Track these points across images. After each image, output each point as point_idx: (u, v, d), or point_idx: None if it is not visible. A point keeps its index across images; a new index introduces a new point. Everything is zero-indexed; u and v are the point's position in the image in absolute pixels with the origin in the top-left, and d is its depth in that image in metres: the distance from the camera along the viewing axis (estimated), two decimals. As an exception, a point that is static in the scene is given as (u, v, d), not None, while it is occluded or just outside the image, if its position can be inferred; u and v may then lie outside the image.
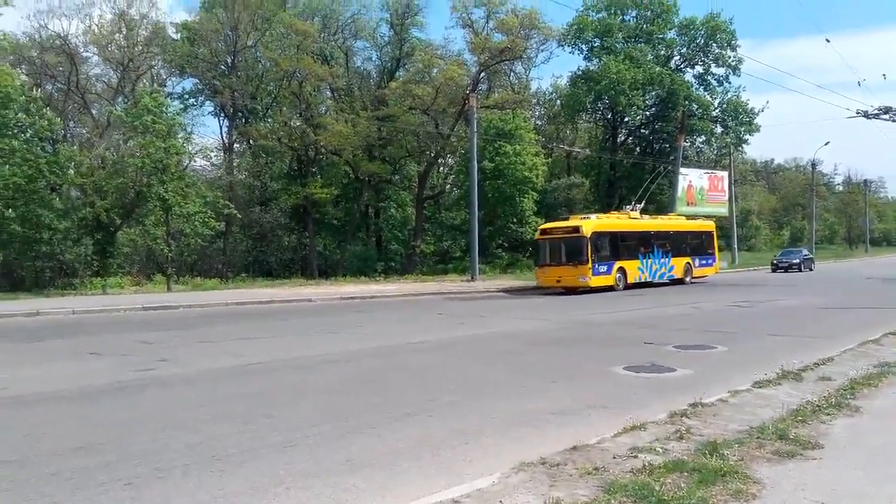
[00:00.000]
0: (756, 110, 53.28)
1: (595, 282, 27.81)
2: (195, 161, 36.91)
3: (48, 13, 43.73)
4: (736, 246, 55.69)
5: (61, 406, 8.45)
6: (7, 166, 25.09)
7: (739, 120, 53.53)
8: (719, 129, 55.32)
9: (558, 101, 55.78)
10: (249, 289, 29.81)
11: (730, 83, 53.56)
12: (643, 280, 30.54)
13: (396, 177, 47.76)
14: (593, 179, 52.58)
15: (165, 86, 44.17)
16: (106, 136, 35.10)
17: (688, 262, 33.43)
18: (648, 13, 51.98)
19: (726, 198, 52.74)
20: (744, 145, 58.43)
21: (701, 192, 49.68)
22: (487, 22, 45.43)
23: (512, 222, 40.56)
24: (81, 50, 40.33)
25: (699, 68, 53.90)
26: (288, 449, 6.39)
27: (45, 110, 27.92)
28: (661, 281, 31.83)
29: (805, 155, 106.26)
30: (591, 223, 28.69)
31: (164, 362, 11.44)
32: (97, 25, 41.30)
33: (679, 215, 39.72)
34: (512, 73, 52.99)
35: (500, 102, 44.55)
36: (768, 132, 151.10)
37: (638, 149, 55.60)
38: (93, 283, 27.72)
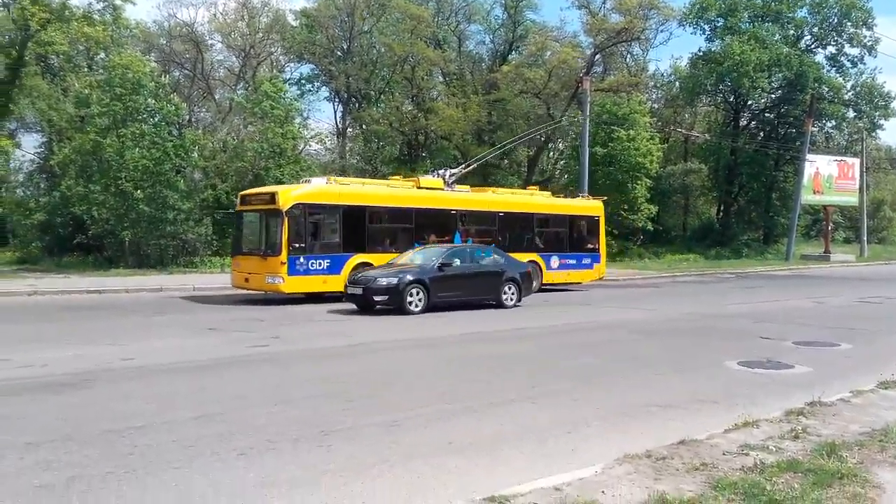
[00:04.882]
0: (893, 94, 49.85)
1: (294, 285, 17.62)
2: (310, 145, 38.01)
3: (176, 2, 46.05)
4: (865, 238, 52.43)
5: (182, 377, 8.93)
6: (137, 149, 26.59)
7: (874, 104, 50.14)
8: (851, 114, 52.00)
9: (677, 84, 53.98)
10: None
11: (864, 64, 50.19)
12: None
13: (505, 161, 47.55)
14: (712, 165, 50.60)
15: (284, 72, 45.70)
16: (227, 120, 36.66)
17: (532, 261, 21.63)
18: (777, -10, 49.37)
19: (857, 186, 49.66)
20: (878, 131, 54.86)
21: (829, 179, 47.01)
22: (605, 2, 44.44)
23: (623, 209, 39.57)
24: (206, 38, 42.27)
25: (831, 49, 50.74)
26: (392, 428, 6.51)
27: (172, 96, 29.43)
28: None
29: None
30: (296, 190, 18.64)
31: (276, 339, 11.91)
32: (221, 14, 43.25)
33: (575, 197, 27.78)
34: (629, 55, 51.64)
35: (615, 85, 43.48)
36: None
37: (762, 133, 53.04)
38: (212, 262, 29.00)
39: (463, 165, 26.12)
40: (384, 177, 42.42)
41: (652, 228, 41.44)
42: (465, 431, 6.44)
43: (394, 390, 8.24)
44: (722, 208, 52.71)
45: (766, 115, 52.76)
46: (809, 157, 45.21)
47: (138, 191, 26.23)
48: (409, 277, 15.81)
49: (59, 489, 4.89)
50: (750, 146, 48.72)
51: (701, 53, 49.03)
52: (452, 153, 44.47)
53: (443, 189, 22.18)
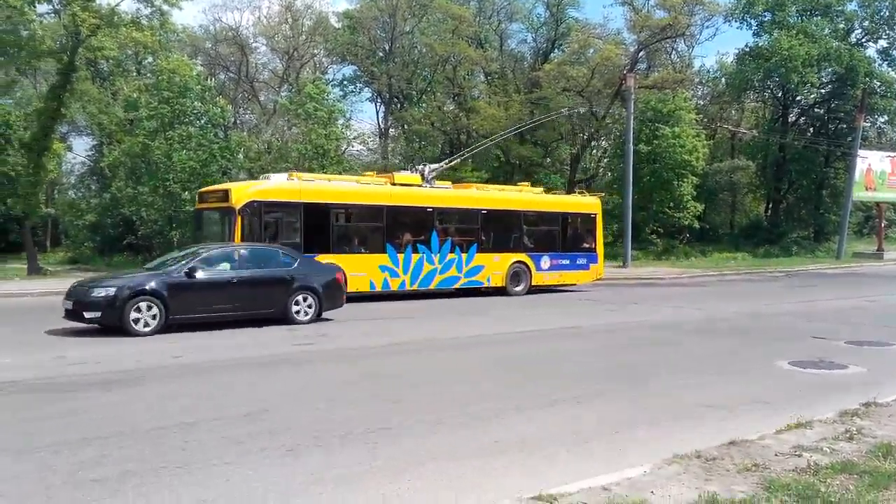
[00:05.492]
0: (947, 87, 48.27)
1: None
2: (353, 146, 38.35)
3: (222, 6, 46.95)
4: (918, 236, 50.99)
5: (231, 374, 9.08)
6: (184, 151, 27.11)
7: (928, 98, 48.74)
8: (904, 108, 50.61)
9: (723, 80, 53.15)
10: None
11: (918, 58, 48.87)
12: (395, 289, 18.69)
13: (548, 160, 47.27)
14: (760, 162, 49.65)
15: (327, 73, 46.16)
16: (272, 122, 37.17)
17: (519, 262, 20.94)
18: (827, -17, 48.23)
19: (911, 182, 48.30)
20: (933, 125, 53.22)
21: (882, 175, 45.73)
22: (648, -2, 43.90)
23: (668, 207, 39.07)
24: (251, 41, 42.97)
25: (883, 42, 49.35)
26: (437, 426, 6.53)
27: (217, 98, 30.00)
28: (451, 289, 20.00)
29: None
30: (252, 186, 17.57)
31: (323, 337, 12.02)
32: (265, 17, 43.92)
33: (551, 191, 27.96)
34: (674, 52, 50.99)
35: (660, 82, 42.89)
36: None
37: (811, 129, 51.91)
38: (257, 262, 29.52)
39: (446, 161, 24.55)
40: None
41: (698, 226, 40.90)
42: (511, 431, 6.42)
43: (439, 389, 8.26)
44: (770, 206, 51.69)
45: (816, 110, 51.59)
46: (861, 152, 44.04)
47: (186, 192, 26.74)
48: (136, 287, 12.02)
49: (113, 483, 5.00)
50: (799, 142, 47.68)
51: (748, 49, 48.12)
52: (495, 152, 44.38)
53: (420, 185, 20.47)
